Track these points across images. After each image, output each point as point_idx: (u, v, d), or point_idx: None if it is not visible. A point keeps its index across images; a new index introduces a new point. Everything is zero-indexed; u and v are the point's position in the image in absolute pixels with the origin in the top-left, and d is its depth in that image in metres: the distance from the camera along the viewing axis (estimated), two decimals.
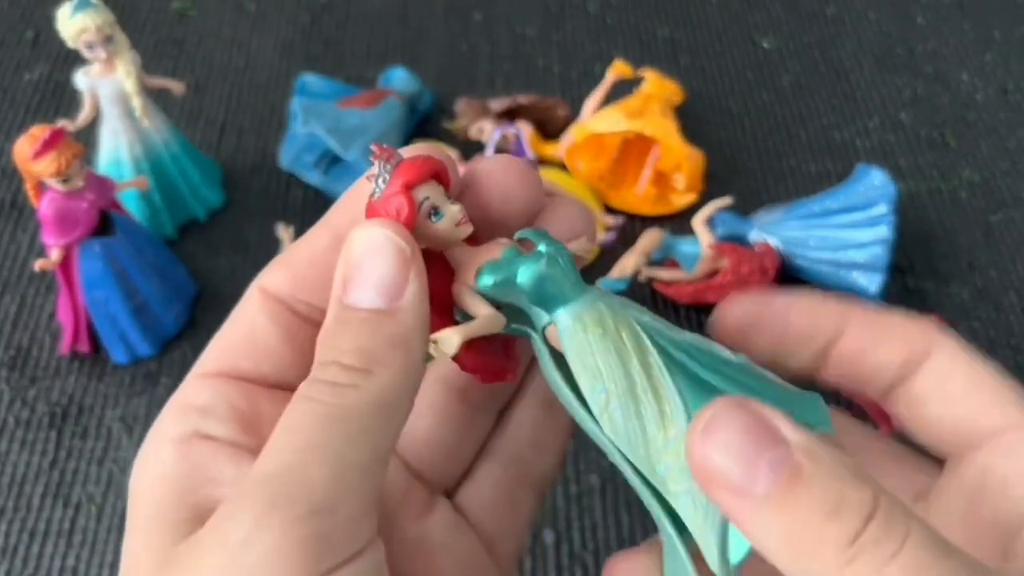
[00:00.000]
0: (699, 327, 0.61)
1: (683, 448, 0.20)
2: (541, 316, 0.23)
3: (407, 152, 0.24)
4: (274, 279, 0.24)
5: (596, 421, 0.22)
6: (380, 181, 0.23)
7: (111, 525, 0.52)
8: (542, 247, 0.23)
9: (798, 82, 0.78)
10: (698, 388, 0.22)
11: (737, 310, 0.26)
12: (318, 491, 0.19)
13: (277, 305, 0.23)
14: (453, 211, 0.23)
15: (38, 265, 0.55)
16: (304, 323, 0.23)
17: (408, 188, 0.23)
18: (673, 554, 0.22)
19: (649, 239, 0.62)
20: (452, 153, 0.66)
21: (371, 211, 0.23)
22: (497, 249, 0.24)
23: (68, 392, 0.58)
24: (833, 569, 0.17)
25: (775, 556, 0.18)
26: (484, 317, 0.23)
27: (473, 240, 0.24)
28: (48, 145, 0.51)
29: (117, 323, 0.57)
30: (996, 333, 0.62)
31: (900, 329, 0.25)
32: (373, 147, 0.23)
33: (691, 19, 0.83)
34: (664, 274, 0.62)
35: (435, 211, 0.23)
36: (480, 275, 0.23)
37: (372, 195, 0.23)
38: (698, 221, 0.62)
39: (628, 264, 0.61)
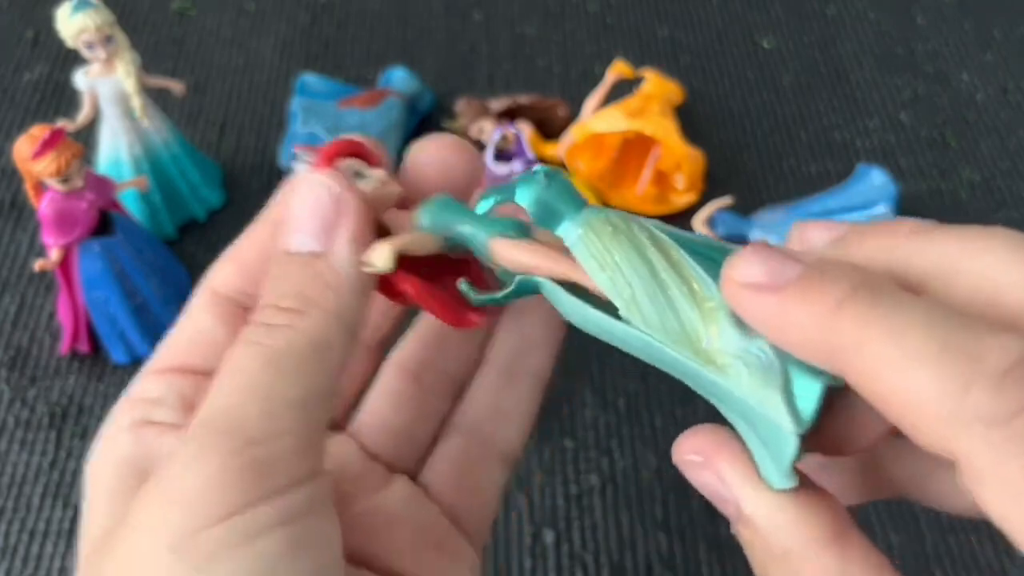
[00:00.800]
0: None
1: (723, 317, 0.20)
2: (482, 244, 0.23)
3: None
4: (222, 276, 0.25)
5: (626, 322, 0.22)
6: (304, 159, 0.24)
7: None
8: (537, 168, 0.23)
9: (798, 82, 0.78)
10: (717, 268, 0.21)
11: None
12: (252, 426, 0.20)
13: (225, 302, 0.24)
14: (377, 173, 0.23)
15: (38, 265, 0.55)
16: None
17: (327, 160, 0.23)
18: (751, 433, 0.21)
19: None
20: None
21: None
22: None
23: (68, 392, 0.58)
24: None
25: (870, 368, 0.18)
26: (417, 232, 0.23)
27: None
28: (48, 145, 0.51)
29: (117, 323, 0.57)
30: None
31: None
32: (295, 150, 0.24)
33: (691, 19, 0.83)
34: None
35: (358, 175, 0.23)
36: (479, 201, 0.24)
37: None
38: (698, 221, 0.62)
39: None
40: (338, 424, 0.28)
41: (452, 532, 0.26)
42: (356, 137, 0.24)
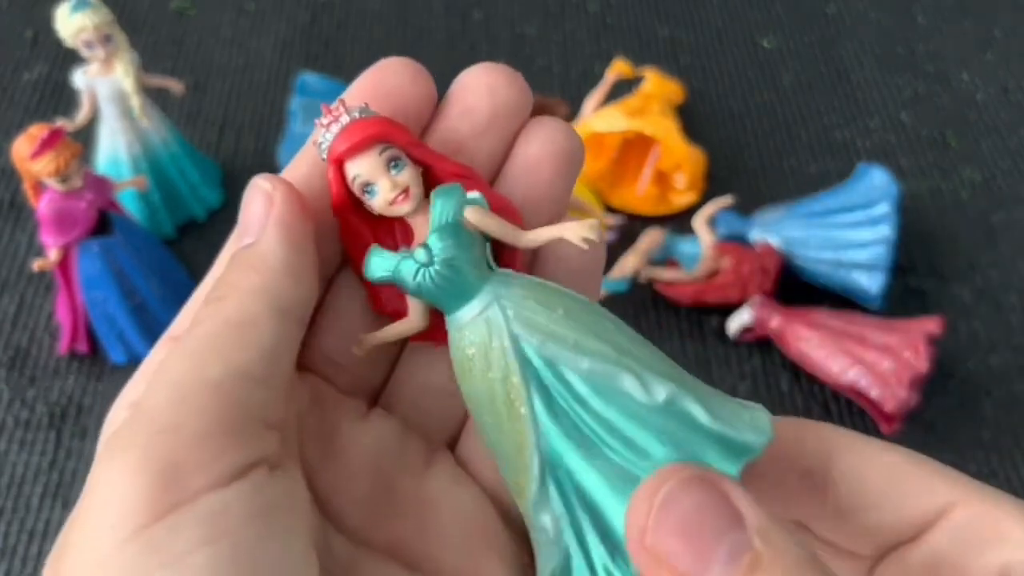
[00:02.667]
0: (699, 327, 0.61)
1: (536, 504, 0.20)
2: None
3: (385, 73, 0.23)
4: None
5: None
6: (322, 147, 0.22)
7: None
8: (419, 253, 0.21)
9: (799, 82, 0.78)
10: (567, 445, 0.20)
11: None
12: (159, 415, 0.18)
13: None
14: (384, 188, 0.22)
15: (37, 265, 0.55)
16: None
17: (339, 163, 0.22)
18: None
19: (650, 239, 0.62)
20: None
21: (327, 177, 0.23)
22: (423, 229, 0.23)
23: (67, 392, 0.57)
24: None
25: None
26: (397, 324, 0.23)
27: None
28: (46, 145, 0.51)
29: (116, 323, 0.57)
30: (997, 333, 0.62)
31: (795, 444, 0.22)
32: (323, 108, 0.22)
33: (691, 18, 0.83)
34: (665, 274, 0.62)
35: (367, 188, 0.22)
36: (367, 262, 0.22)
37: (323, 160, 0.23)
38: (699, 221, 0.62)
39: (628, 264, 0.61)
40: (376, 399, 0.25)
41: (493, 517, 0.24)
42: (385, 120, 0.22)
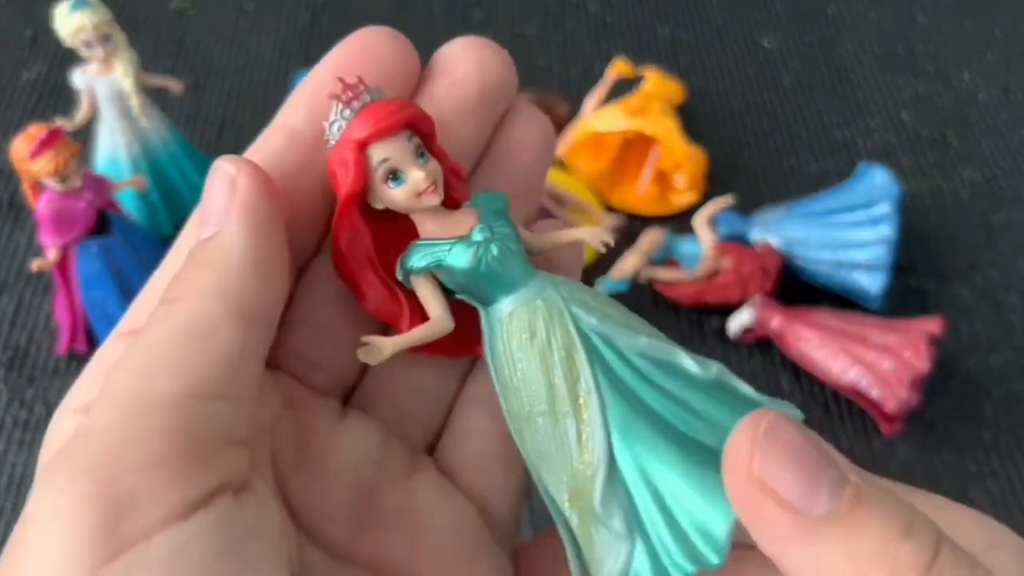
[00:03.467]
0: (699, 328, 0.61)
1: (598, 486, 0.19)
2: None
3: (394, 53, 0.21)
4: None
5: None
6: (335, 128, 0.21)
7: None
8: (476, 234, 0.21)
9: (799, 81, 0.78)
10: (635, 416, 0.19)
11: None
12: (102, 438, 0.16)
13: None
14: (417, 178, 0.20)
15: (35, 265, 0.55)
16: None
17: (362, 147, 0.20)
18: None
19: (650, 239, 0.62)
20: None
21: (329, 161, 0.21)
22: (466, 222, 0.21)
23: (66, 392, 0.57)
24: None
25: None
26: (423, 328, 0.21)
27: (451, 197, 0.21)
28: (45, 144, 0.50)
29: (115, 323, 0.57)
30: (997, 333, 0.61)
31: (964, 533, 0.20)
32: (338, 79, 0.20)
33: (692, 18, 0.83)
34: (665, 274, 0.62)
35: (394, 175, 0.20)
36: (407, 255, 0.21)
37: (327, 141, 0.21)
38: (699, 221, 0.62)
39: (628, 264, 0.61)
40: (349, 398, 0.23)
41: (483, 531, 0.23)
42: (415, 105, 0.21)
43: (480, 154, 0.23)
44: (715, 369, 0.20)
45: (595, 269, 0.62)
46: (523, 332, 0.20)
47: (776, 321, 0.58)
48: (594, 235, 0.22)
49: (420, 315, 0.22)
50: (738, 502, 0.17)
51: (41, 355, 0.59)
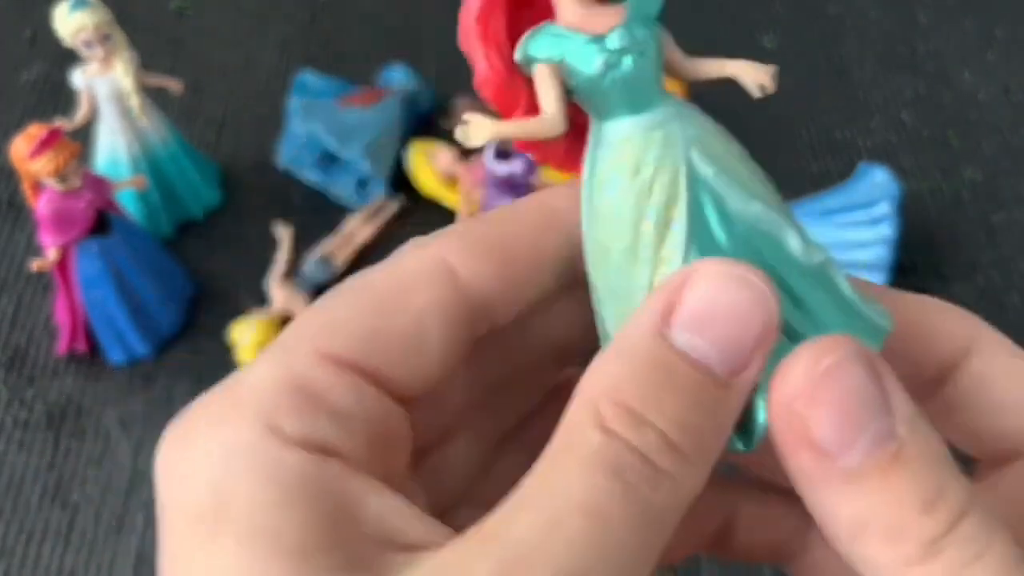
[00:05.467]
0: None
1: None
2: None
3: None
4: (449, 249, 0.18)
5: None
6: None
7: (109, 526, 0.52)
8: (613, 39, 0.18)
9: (800, 81, 0.77)
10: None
11: None
12: None
13: (457, 296, 0.17)
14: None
15: (35, 265, 0.55)
16: (487, 329, 0.18)
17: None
18: None
19: None
20: (447, 153, 0.66)
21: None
22: (610, 19, 0.18)
23: (66, 393, 0.57)
24: (903, 562, 0.15)
25: (837, 532, 0.16)
26: (531, 120, 0.19)
27: None
28: (45, 144, 0.51)
29: (114, 323, 0.57)
30: None
31: (940, 322, 0.21)
32: None
33: (692, 18, 0.83)
34: None
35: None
36: (532, 36, 0.19)
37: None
38: None
39: None
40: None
41: None
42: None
43: None
44: (819, 258, 0.18)
45: None
46: (627, 165, 0.18)
47: None
48: (757, 72, 0.19)
49: (536, 112, 0.19)
50: (777, 423, 0.16)
51: (41, 355, 0.59)
